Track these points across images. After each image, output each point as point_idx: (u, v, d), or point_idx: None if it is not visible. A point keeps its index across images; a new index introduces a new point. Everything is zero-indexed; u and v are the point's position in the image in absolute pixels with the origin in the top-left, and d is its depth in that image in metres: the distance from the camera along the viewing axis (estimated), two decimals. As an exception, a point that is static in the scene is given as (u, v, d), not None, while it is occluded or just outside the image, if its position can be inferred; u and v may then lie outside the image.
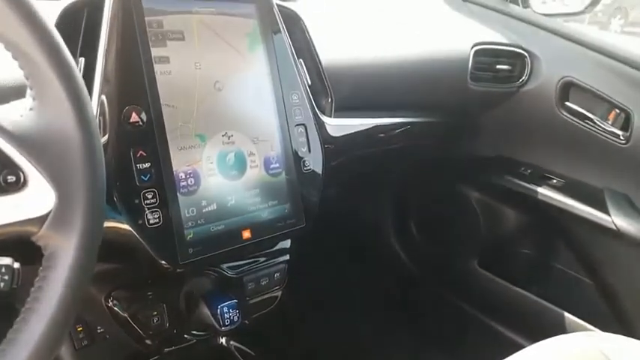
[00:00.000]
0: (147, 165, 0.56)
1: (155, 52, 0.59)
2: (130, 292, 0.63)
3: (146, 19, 0.59)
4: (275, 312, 0.73)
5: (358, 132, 0.85)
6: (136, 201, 0.55)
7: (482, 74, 1.02)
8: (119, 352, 0.71)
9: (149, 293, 0.63)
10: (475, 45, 1.00)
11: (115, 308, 0.63)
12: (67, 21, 0.58)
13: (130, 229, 0.55)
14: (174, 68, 0.60)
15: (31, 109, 0.40)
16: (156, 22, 0.60)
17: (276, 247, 0.70)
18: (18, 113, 0.39)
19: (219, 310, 0.63)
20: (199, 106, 0.62)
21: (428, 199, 1.38)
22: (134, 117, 0.56)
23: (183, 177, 0.59)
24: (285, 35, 0.71)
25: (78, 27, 0.59)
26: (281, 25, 0.70)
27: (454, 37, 1.02)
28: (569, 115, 0.99)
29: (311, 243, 0.74)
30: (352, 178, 1.00)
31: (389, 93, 0.93)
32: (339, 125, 0.79)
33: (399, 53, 0.94)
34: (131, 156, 0.55)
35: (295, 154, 0.69)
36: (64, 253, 0.39)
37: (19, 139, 0.38)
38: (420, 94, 0.98)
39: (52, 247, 0.40)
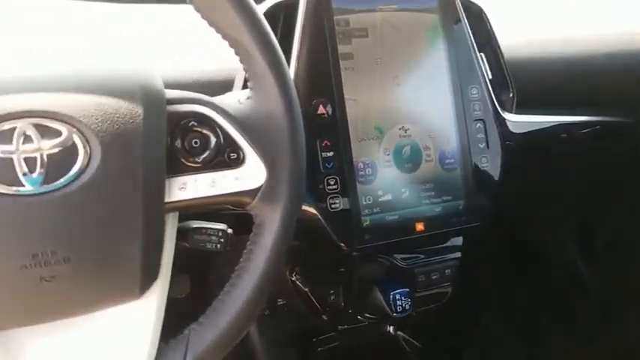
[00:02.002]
0: (330, 154, 0.61)
1: (341, 49, 0.63)
2: (311, 269, 0.69)
3: (335, 18, 0.63)
4: (443, 308, 0.72)
5: (540, 130, 0.80)
6: (320, 186, 0.60)
7: (696, 67, 0.88)
8: (296, 324, 0.77)
9: (327, 272, 0.68)
10: (688, 33, 0.87)
11: (298, 282, 0.69)
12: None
13: (315, 211, 0.60)
14: (358, 64, 0.64)
15: (248, 97, 0.46)
16: (343, 21, 0.64)
17: (448, 243, 0.70)
18: (236, 101, 0.46)
19: (391, 297, 0.65)
20: (379, 100, 0.65)
21: (620, 213, 1.23)
22: (321, 109, 0.61)
23: (362, 167, 0.63)
24: (466, 29, 0.70)
25: (275, 29, 0.66)
26: (462, 18, 0.70)
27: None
28: None
29: (484, 244, 0.73)
30: (532, 180, 0.94)
31: (577, 88, 0.86)
32: (521, 122, 0.76)
33: (591, 43, 0.86)
34: (317, 145, 0.60)
35: (472, 149, 0.68)
36: (270, 223, 0.45)
37: (240, 122, 0.44)
38: (613, 90, 0.88)
39: (260, 217, 0.46)
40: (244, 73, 0.46)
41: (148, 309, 0.43)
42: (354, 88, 0.63)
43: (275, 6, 0.64)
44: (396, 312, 0.65)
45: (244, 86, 0.62)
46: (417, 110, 0.66)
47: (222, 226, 0.50)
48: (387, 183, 0.64)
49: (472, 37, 0.71)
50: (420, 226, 0.64)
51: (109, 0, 0.79)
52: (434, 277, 0.69)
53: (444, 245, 0.70)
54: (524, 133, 0.76)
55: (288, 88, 0.45)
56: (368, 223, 0.62)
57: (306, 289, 0.68)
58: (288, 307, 0.76)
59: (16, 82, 0.38)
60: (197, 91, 0.46)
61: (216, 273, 0.74)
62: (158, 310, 0.44)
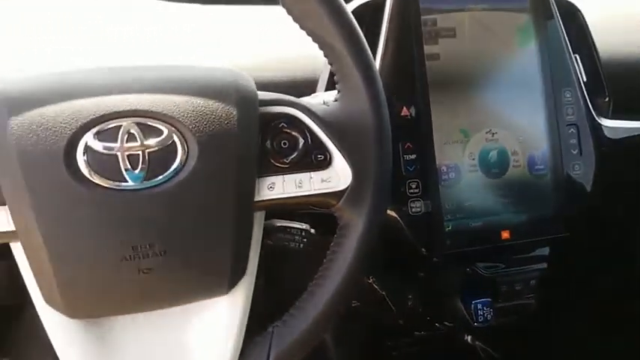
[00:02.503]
0: (413, 157, 0.60)
1: (427, 49, 0.61)
2: (389, 273, 0.68)
3: (422, 18, 0.62)
4: (525, 320, 0.69)
5: (637, 136, 0.74)
6: (402, 189, 0.59)
7: None
8: (370, 327, 0.77)
9: (406, 277, 0.67)
10: None
11: (375, 285, 0.69)
12: None
13: (395, 215, 0.59)
14: (444, 65, 0.62)
15: (335, 99, 0.47)
16: (430, 21, 0.62)
17: (534, 253, 0.67)
18: (324, 103, 0.46)
19: (472, 306, 0.63)
20: (465, 103, 0.63)
21: None
22: (404, 111, 0.60)
23: (445, 170, 0.61)
24: (560, 28, 0.67)
25: (361, 29, 0.66)
26: (557, 18, 0.67)
27: None
28: None
29: (573, 255, 0.69)
30: (627, 189, 0.88)
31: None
32: (617, 127, 0.71)
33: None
34: (399, 147, 0.59)
35: (564, 156, 0.64)
36: (355, 226, 0.45)
37: (327, 124, 0.45)
38: None
39: (345, 219, 0.46)
40: (334, 74, 0.46)
41: (235, 305, 0.45)
42: (439, 89, 0.61)
43: (362, 6, 0.64)
44: (477, 322, 0.63)
45: (327, 87, 0.63)
46: (505, 114, 0.63)
47: (305, 225, 0.50)
48: (471, 188, 0.62)
49: (566, 38, 0.67)
50: (505, 234, 0.62)
51: (194, 1, 0.82)
52: (517, 288, 0.66)
53: (530, 255, 0.67)
54: (620, 139, 0.71)
55: (377, 92, 0.45)
56: (450, 228, 0.61)
57: (383, 293, 0.68)
58: (363, 310, 0.76)
59: (121, 83, 0.40)
60: (278, 92, 0.46)
61: (289, 271, 0.75)
62: (244, 307, 0.45)
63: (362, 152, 0.45)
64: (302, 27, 0.45)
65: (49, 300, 0.41)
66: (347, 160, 0.44)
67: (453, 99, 0.62)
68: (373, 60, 0.45)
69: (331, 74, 0.47)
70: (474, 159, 0.62)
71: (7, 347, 0.45)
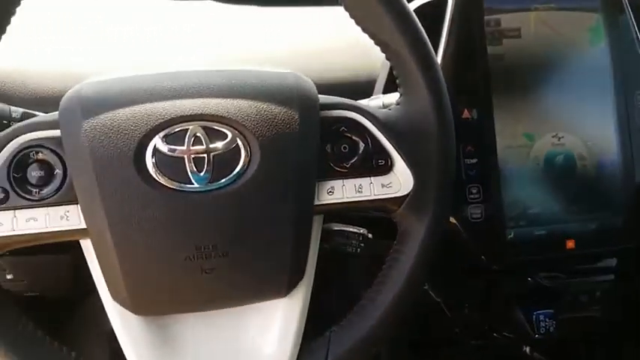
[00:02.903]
0: (474, 161, 0.58)
1: (491, 50, 0.60)
2: (445, 279, 0.66)
3: (485, 18, 0.60)
4: (592, 334, 0.66)
5: None
6: (462, 194, 0.57)
7: None
8: (424, 335, 0.75)
9: (463, 284, 0.65)
10: None
11: (430, 291, 0.67)
12: None
13: (454, 220, 0.57)
14: (508, 66, 0.60)
15: (397, 103, 0.46)
16: (494, 21, 0.60)
17: (600, 264, 0.64)
18: (384, 106, 0.46)
19: (534, 317, 0.61)
20: (530, 105, 0.61)
21: None
22: (466, 114, 0.58)
23: (508, 175, 0.59)
24: (634, 29, 0.63)
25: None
26: (629, 16, 0.63)
27: None
28: None
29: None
30: None
31: None
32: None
33: None
34: (460, 150, 0.58)
35: (636, 162, 0.61)
36: (416, 233, 0.44)
37: (389, 129, 0.44)
38: None
39: (405, 225, 0.45)
40: (395, 77, 0.46)
41: (292, 308, 0.45)
42: (503, 91, 0.60)
43: (424, 5, 0.63)
44: (539, 333, 0.60)
45: (385, 88, 0.62)
46: (573, 117, 0.61)
47: (362, 230, 0.50)
48: (535, 194, 0.60)
49: (640, 37, 0.64)
50: (570, 244, 0.59)
51: (255, 4, 0.83)
52: (582, 300, 0.63)
53: (595, 266, 0.64)
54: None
55: (441, 98, 0.44)
56: (512, 236, 0.59)
57: (439, 300, 0.66)
58: (417, 316, 0.74)
59: (188, 87, 0.41)
60: (334, 93, 0.46)
61: (345, 276, 0.74)
62: (302, 310, 0.45)
63: (424, 158, 0.44)
64: (364, 30, 0.45)
65: (115, 296, 0.42)
66: (409, 166, 0.44)
67: (517, 101, 0.60)
68: (438, 65, 0.44)
69: (389, 75, 0.47)
70: (538, 164, 0.60)
71: (67, 339, 0.47)
